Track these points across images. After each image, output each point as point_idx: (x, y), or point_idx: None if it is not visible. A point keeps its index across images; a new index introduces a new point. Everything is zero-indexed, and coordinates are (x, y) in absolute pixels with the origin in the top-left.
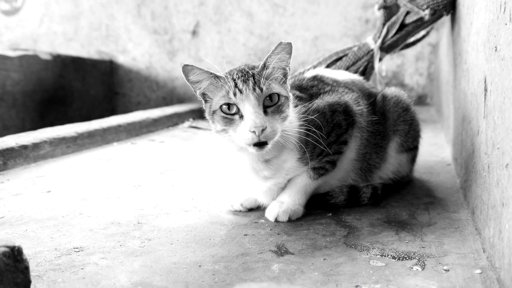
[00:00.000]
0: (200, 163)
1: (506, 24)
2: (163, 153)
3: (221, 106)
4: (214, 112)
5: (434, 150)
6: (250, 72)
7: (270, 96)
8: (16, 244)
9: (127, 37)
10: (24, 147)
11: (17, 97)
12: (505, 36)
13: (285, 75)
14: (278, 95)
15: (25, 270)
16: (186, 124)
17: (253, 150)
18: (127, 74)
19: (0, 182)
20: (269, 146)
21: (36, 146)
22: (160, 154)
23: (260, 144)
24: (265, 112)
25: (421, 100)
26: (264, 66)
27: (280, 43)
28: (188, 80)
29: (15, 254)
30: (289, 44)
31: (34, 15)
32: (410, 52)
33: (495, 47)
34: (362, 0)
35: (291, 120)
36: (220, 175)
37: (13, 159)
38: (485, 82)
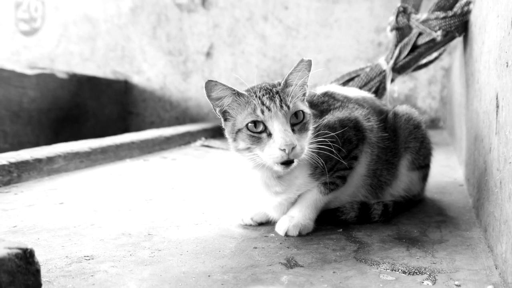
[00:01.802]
0: (212, 179)
1: None
2: (175, 170)
3: (247, 124)
4: (239, 130)
5: (447, 171)
6: (273, 89)
7: (296, 113)
8: (29, 247)
9: (142, 58)
10: (39, 160)
11: (32, 114)
12: None
13: (304, 93)
14: (303, 112)
15: (36, 273)
16: (199, 143)
17: (279, 168)
18: (141, 94)
19: (14, 194)
20: (295, 164)
21: (50, 160)
22: (172, 170)
23: (287, 163)
24: (292, 130)
25: (434, 123)
26: (286, 84)
27: (302, 60)
28: (209, 96)
29: (27, 257)
30: (309, 62)
31: (52, 36)
32: (422, 75)
33: (506, 63)
34: (374, 24)
35: None
36: (231, 191)
37: (27, 172)
38: (496, 99)
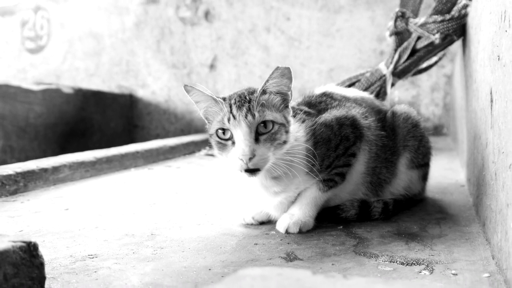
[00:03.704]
0: (215, 185)
1: (506, 31)
2: (179, 177)
3: (216, 131)
4: (211, 135)
5: (449, 173)
6: (247, 97)
7: (265, 123)
8: (32, 240)
9: (146, 71)
10: (44, 170)
11: (39, 130)
12: (506, 43)
13: (285, 101)
14: (273, 122)
15: (40, 266)
16: (203, 152)
17: (245, 175)
18: (146, 107)
19: (20, 202)
20: (261, 173)
21: (56, 169)
22: (176, 178)
23: (251, 171)
24: (258, 139)
25: (438, 130)
26: (263, 91)
27: (277, 68)
28: (191, 98)
29: (31, 249)
30: (287, 69)
31: (58, 53)
32: (425, 83)
33: (498, 56)
34: (376, 33)
35: (298, 136)
36: (233, 195)
37: (34, 182)
38: (491, 93)
